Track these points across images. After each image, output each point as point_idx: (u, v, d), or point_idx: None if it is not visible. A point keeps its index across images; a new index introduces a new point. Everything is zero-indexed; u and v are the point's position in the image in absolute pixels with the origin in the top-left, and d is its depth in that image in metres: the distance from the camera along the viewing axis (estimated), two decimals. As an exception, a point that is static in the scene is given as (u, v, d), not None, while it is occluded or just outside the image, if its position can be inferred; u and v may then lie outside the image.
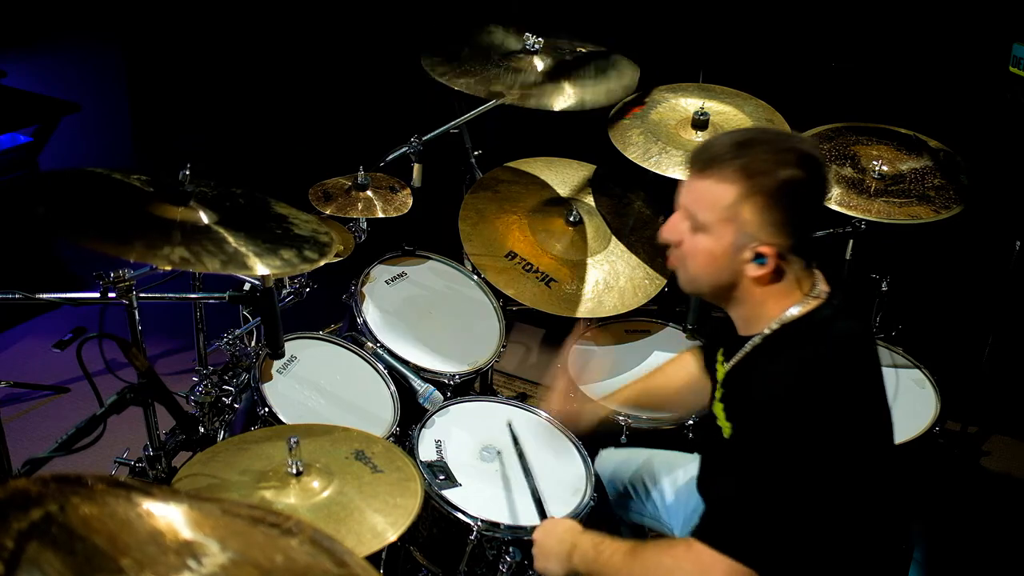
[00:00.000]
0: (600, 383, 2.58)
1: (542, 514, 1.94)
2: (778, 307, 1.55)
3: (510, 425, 2.25)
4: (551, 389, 2.21)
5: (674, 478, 2.10)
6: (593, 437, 2.35)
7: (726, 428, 1.64)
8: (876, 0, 3.32)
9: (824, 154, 1.81)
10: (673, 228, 1.59)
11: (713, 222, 1.51)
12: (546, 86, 2.62)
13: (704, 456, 1.86)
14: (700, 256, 1.55)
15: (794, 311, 1.54)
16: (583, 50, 2.84)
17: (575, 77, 2.67)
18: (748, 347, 1.59)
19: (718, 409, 1.68)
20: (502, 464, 2.22)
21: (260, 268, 1.63)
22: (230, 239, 1.66)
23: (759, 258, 1.50)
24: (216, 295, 2.01)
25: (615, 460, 2.22)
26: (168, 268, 1.56)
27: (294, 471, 1.69)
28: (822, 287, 1.57)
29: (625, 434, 2.42)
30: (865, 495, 1.54)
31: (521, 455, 2.14)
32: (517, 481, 2.17)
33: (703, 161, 1.53)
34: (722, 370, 1.70)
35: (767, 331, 1.56)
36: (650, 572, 1.54)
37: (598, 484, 2.19)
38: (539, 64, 2.72)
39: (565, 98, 2.59)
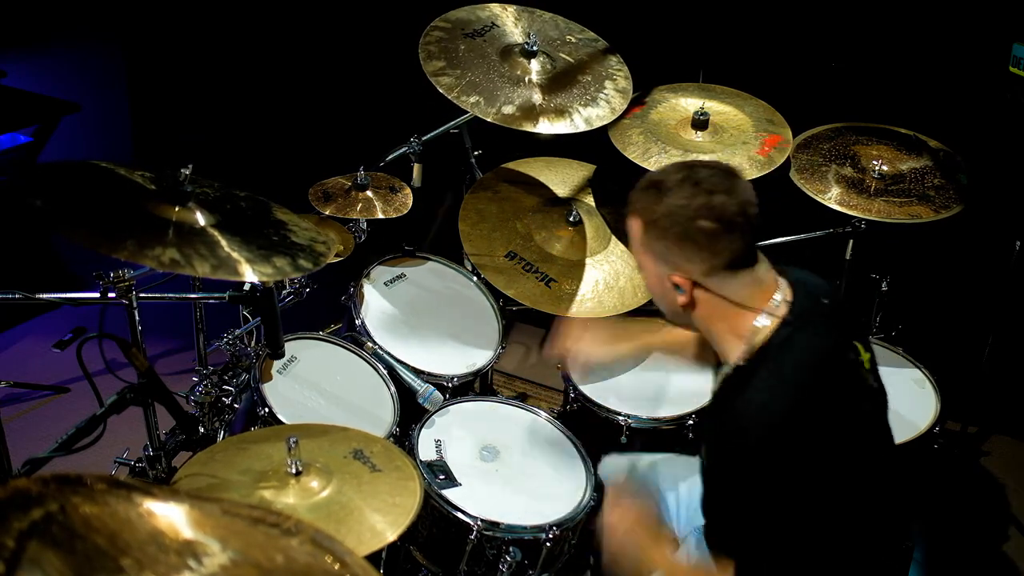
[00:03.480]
0: (600, 382, 2.58)
1: None
2: (739, 330, 1.56)
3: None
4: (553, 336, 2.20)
5: (677, 491, 2.09)
6: (594, 439, 2.35)
7: (703, 453, 1.70)
8: (876, 0, 3.32)
9: (732, 181, 1.59)
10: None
11: (638, 254, 1.64)
12: (544, 107, 2.63)
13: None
14: (648, 285, 1.67)
15: (757, 326, 1.55)
16: (572, 39, 2.83)
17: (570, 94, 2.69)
18: (722, 376, 1.63)
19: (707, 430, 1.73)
20: (502, 464, 2.22)
21: (250, 274, 1.62)
22: (223, 243, 1.65)
23: (677, 287, 1.57)
24: (216, 295, 2.01)
25: (619, 466, 2.21)
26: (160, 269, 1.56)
27: (293, 471, 1.69)
28: (783, 296, 1.57)
29: (625, 434, 2.42)
30: (844, 510, 1.54)
31: None
32: (517, 480, 2.17)
33: (628, 201, 1.63)
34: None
35: (737, 361, 1.58)
36: None
37: (598, 485, 2.19)
38: (537, 68, 2.71)
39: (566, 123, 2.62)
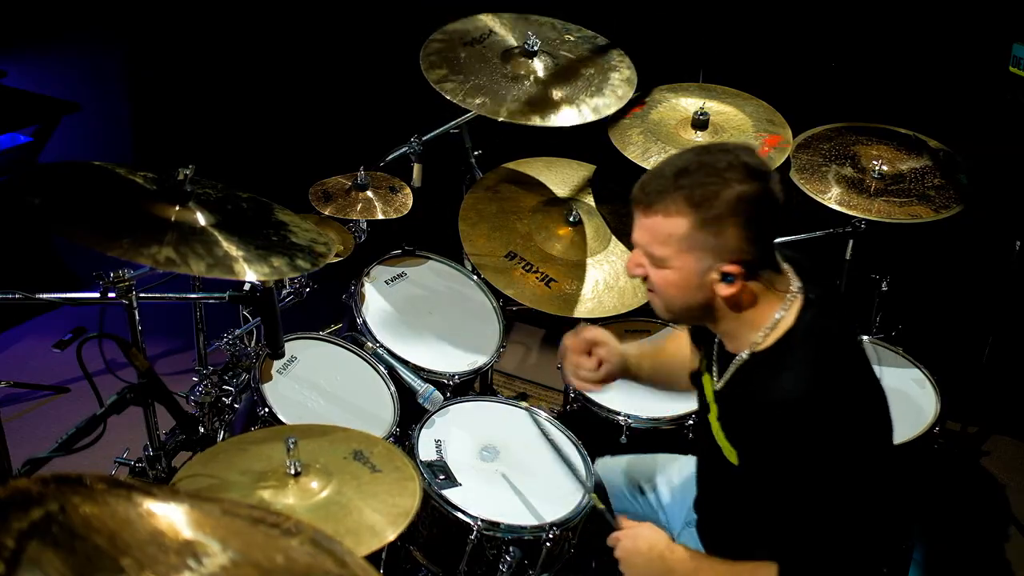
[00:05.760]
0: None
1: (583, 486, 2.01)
2: (762, 316, 1.55)
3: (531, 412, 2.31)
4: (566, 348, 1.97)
5: (668, 478, 2.10)
6: (594, 439, 2.35)
7: (730, 452, 1.63)
8: (876, 0, 3.32)
9: (769, 160, 1.69)
10: (635, 265, 1.59)
11: (670, 255, 1.51)
12: (551, 100, 2.65)
13: (707, 473, 1.85)
14: (668, 287, 1.55)
15: (778, 316, 1.54)
16: (571, 37, 2.85)
17: (575, 87, 2.71)
18: (738, 362, 1.59)
19: (716, 428, 1.67)
20: (502, 464, 2.22)
21: (247, 274, 1.62)
22: (222, 242, 1.65)
23: (726, 277, 1.50)
24: (216, 295, 2.01)
25: (612, 468, 2.22)
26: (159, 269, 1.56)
27: (293, 471, 1.69)
28: (795, 283, 1.57)
29: (625, 434, 2.42)
30: (881, 493, 1.54)
31: (550, 441, 2.18)
32: (517, 480, 2.17)
33: (647, 198, 1.52)
34: (709, 383, 1.69)
35: (757, 344, 1.55)
36: None
37: (598, 484, 2.19)
38: (539, 67, 2.73)
39: (575, 114, 2.65)
